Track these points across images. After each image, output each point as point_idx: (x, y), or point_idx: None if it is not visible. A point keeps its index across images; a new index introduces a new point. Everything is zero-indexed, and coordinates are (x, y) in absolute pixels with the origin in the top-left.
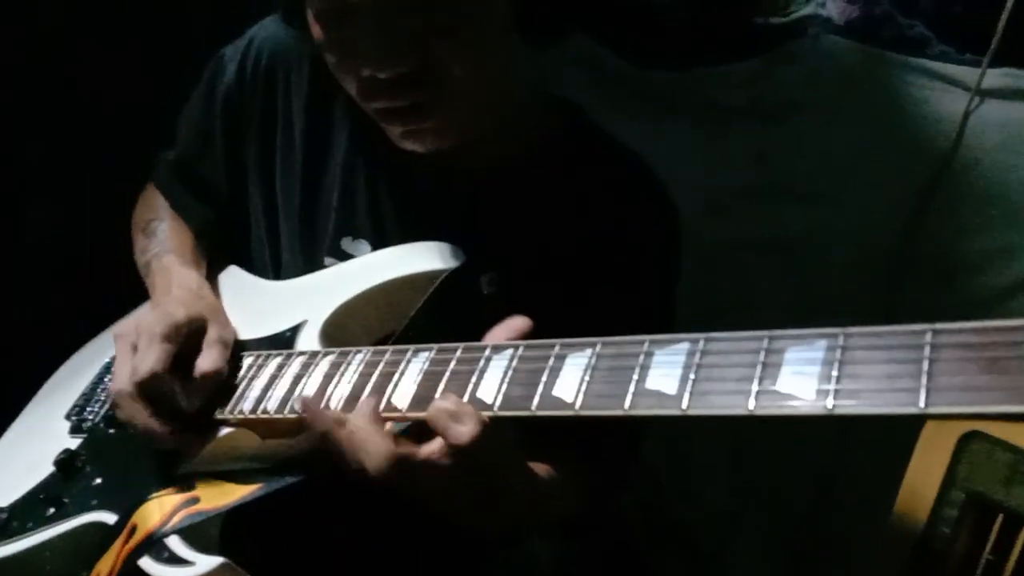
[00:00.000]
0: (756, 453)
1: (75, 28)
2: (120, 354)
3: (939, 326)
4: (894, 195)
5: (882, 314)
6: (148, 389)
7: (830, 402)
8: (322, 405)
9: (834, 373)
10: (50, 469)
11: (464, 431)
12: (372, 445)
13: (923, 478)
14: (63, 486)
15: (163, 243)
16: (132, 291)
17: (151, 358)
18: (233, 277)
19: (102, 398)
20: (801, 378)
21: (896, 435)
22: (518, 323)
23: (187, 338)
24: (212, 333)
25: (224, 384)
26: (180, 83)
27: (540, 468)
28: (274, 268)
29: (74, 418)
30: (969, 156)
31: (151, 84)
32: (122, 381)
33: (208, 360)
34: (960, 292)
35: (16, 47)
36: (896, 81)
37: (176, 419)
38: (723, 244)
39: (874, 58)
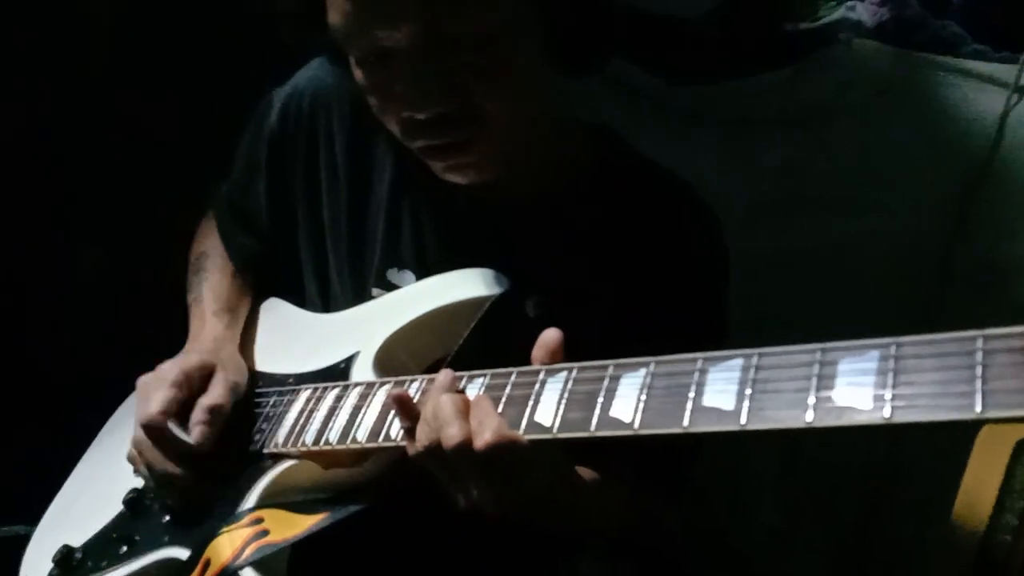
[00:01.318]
0: (804, 466)
1: (122, 72)
2: (137, 404)
3: (990, 331)
4: (934, 199)
5: (925, 321)
6: (152, 431)
7: (887, 411)
8: (382, 435)
9: (889, 382)
10: (119, 508)
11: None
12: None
13: (980, 487)
14: (133, 524)
15: (203, 284)
16: (186, 328)
17: (155, 402)
18: (280, 311)
19: None
20: (857, 388)
21: (947, 444)
22: (551, 337)
23: (199, 382)
24: (219, 375)
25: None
26: (227, 126)
27: (588, 475)
28: (323, 301)
29: None
30: (1009, 155)
31: (200, 127)
32: (136, 429)
33: (210, 397)
34: (1005, 295)
35: (65, 93)
36: (931, 83)
37: (194, 466)
38: (762, 256)
39: (907, 60)
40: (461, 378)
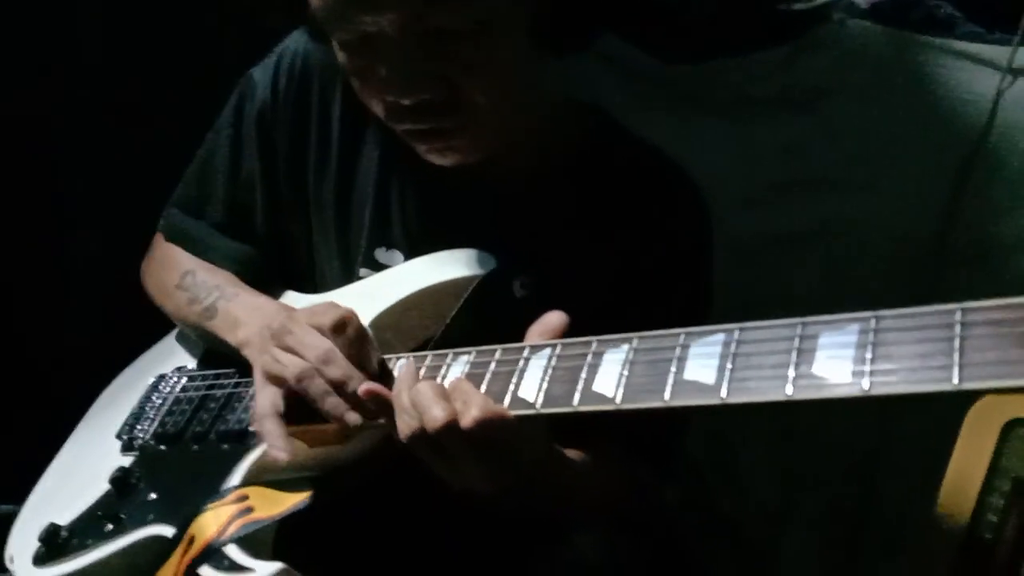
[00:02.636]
0: (800, 444)
1: (117, 63)
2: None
3: (968, 304)
4: (928, 179)
5: (919, 301)
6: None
7: (866, 383)
8: None
9: (868, 355)
10: (105, 487)
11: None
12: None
13: (967, 468)
14: (119, 503)
15: (216, 285)
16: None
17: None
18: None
19: (151, 416)
20: (836, 362)
21: (942, 421)
22: (554, 320)
23: None
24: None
25: None
26: (217, 113)
27: (576, 455)
28: (311, 281)
29: (125, 436)
30: (1003, 136)
31: (191, 116)
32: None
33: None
34: (998, 275)
35: (60, 84)
36: (925, 63)
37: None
38: (757, 237)
39: (902, 41)
40: (426, 359)
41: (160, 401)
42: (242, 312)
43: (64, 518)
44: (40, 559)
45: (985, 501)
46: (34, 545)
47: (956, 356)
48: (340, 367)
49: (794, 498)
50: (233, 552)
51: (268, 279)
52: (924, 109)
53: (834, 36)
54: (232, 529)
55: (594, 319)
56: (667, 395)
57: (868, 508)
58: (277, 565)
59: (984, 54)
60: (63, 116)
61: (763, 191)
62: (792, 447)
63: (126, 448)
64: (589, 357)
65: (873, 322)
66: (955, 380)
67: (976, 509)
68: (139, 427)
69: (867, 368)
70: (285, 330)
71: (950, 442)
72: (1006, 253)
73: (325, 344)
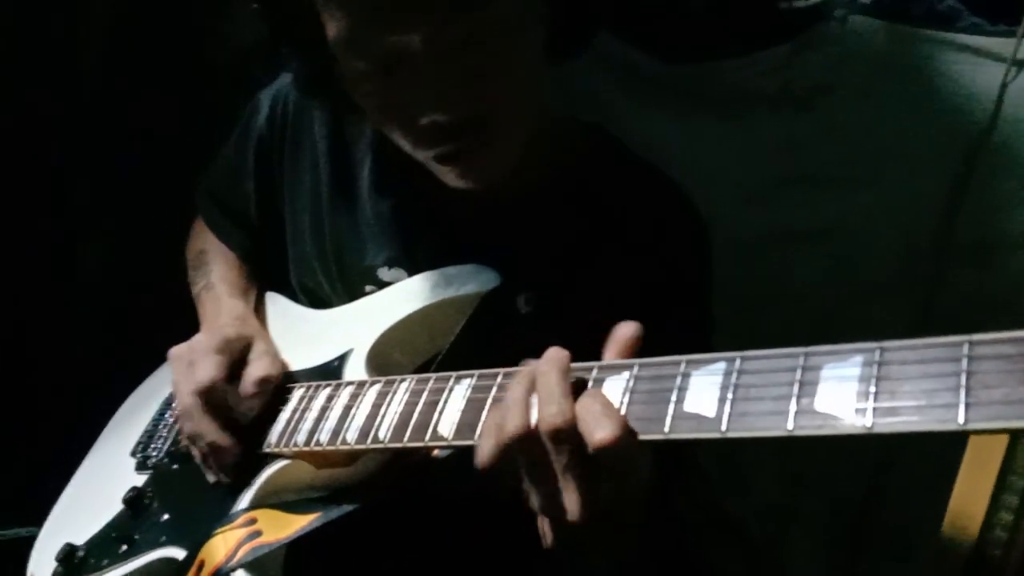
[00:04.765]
0: (806, 443)
1: (123, 75)
2: (179, 373)
3: (976, 337)
4: (932, 175)
5: (923, 298)
6: (208, 398)
7: (869, 420)
8: (371, 436)
9: (871, 390)
10: (120, 507)
11: (604, 435)
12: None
13: (980, 467)
14: (133, 523)
15: (211, 273)
16: (187, 327)
17: (207, 369)
18: (277, 306)
19: (164, 434)
20: (839, 396)
21: None
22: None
23: (238, 353)
24: (259, 347)
25: (275, 415)
26: (228, 126)
27: None
28: (309, 301)
29: (139, 455)
30: (1007, 129)
31: (200, 127)
32: (185, 396)
33: (259, 368)
34: (1002, 272)
35: (65, 94)
36: (928, 58)
37: (237, 436)
38: (760, 235)
39: (904, 36)
40: (429, 382)
41: (173, 419)
42: (204, 313)
43: (80, 538)
44: None
45: (998, 502)
46: (52, 564)
47: (962, 394)
48: (195, 423)
49: (799, 499)
50: None
51: (270, 277)
52: (927, 104)
53: (835, 32)
54: (241, 554)
55: (599, 335)
56: (667, 427)
57: (874, 509)
58: None
59: (987, 47)
60: (70, 126)
61: (765, 189)
62: (797, 447)
63: (140, 467)
64: (590, 384)
65: (877, 354)
66: (960, 420)
67: (989, 510)
68: (153, 446)
69: (869, 405)
70: (180, 365)
71: (962, 442)
72: (1011, 249)
73: (187, 401)
